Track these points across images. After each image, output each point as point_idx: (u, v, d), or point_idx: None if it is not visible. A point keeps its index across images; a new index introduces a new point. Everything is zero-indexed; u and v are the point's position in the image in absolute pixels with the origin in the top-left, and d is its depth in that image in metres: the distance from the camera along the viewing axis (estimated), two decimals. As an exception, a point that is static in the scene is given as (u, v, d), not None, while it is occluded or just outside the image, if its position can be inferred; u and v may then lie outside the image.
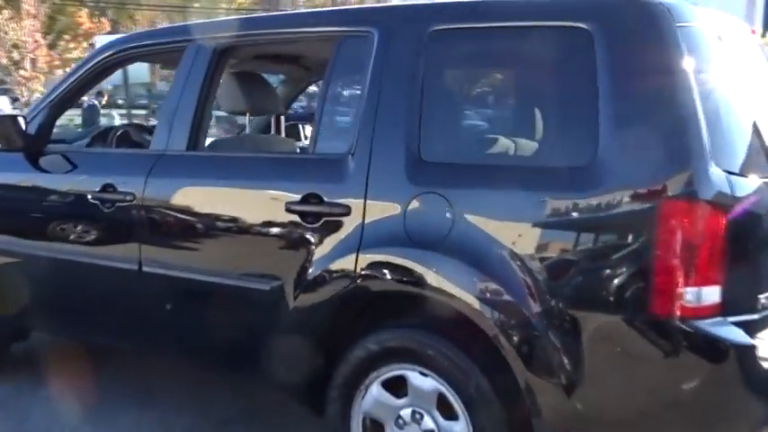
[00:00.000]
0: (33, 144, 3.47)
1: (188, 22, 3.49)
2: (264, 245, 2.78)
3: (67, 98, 3.59)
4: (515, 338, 2.24)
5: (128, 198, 3.07)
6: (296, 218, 2.66)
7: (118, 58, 3.47)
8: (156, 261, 3.04)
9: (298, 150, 3.69)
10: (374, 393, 2.54)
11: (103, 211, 3.16)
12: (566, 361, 2.19)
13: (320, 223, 2.61)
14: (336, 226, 2.58)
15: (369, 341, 2.53)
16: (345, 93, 2.87)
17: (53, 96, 3.54)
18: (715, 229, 2.06)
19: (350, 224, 2.55)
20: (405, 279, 2.43)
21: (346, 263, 2.53)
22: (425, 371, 2.43)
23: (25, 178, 3.52)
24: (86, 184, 3.26)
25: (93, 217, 3.24)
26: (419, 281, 2.39)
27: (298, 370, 2.70)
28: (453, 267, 2.34)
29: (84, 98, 11.41)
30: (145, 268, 3.05)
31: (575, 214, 2.21)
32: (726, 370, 2.09)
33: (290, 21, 3.18)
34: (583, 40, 2.25)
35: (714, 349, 2.09)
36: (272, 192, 2.77)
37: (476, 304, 2.29)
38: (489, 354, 2.32)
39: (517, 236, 2.27)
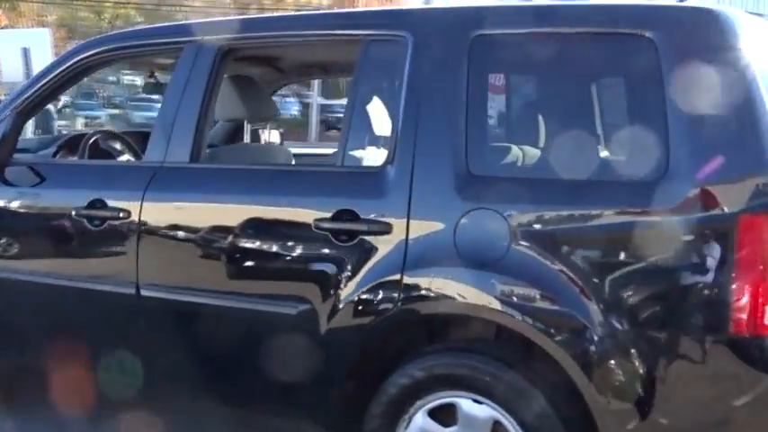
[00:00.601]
0: None
1: (187, 21, 3.22)
2: (290, 265, 2.56)
3: (36, 103, 3.24)
4: (585, 362, 2.12)
5: (121, 215, 2.79)
6: (326, 236, 2.46)
7: (97, 60, 3.16)
8: (157, 284, 2.76)
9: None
10: (419, 423, 2.36)
11: (90, 230, 2.86)
12: (640, 384, 2.09)
13: (355, 242, 2.43)
14: (375, 244, 2.40)
15: (413, 367, 2.36)
16: (376, 101, 2.67)
17: (19, 101, 3.17)
18: None
19: (391, 243, 2.37)
20: (460, 301, 2.28)
21: (389, 284, 2.36)
22: (479, 398, 2.28)
23: None
24: (68, 199, 2.95)
25: (77, 236, 2.94)
26: (476, 303, 2.25)
27: (329, 400, 2.51)
28: (513, 288, 2.21)
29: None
30: (144, 292, 2.77)
31: (645, 231, 2.11)
32: None
33: (310, 22, 2.95)
34: (646, 50, 2.15)
35: None
36: (297, 208, 2.55)
37: (540, 327, 2.17)
38: (553, 378, 2.20)
39: (582, 254, 2.16)
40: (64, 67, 3.13)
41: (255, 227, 2.63)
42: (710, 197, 2.05)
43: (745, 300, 1.99)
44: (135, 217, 2.77)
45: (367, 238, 2.41)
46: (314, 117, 27.68)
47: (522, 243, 2.21)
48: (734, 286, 2.00)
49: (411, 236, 2.34)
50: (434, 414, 2.36)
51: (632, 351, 2.08)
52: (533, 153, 2.32)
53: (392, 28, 2.57)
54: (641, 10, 2.29)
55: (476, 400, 2.28)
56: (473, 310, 2.27)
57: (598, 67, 2.26)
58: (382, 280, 2.36)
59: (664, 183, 2.08)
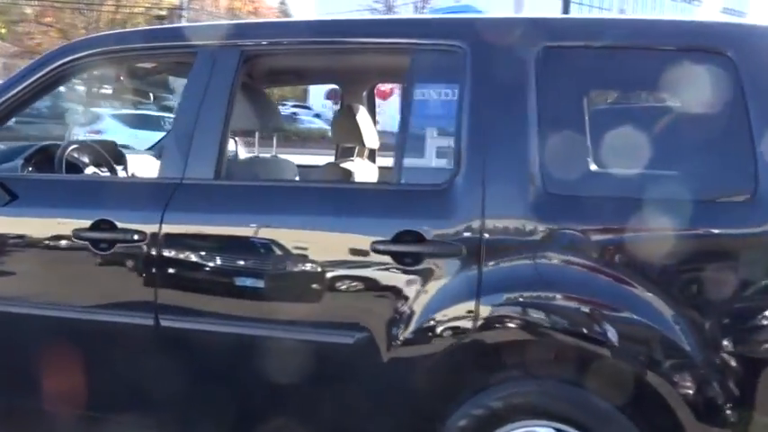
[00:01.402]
0: None
1: (199, 23, 2.92)
2: (344, 291, 2.36)
3: (10, 110, 2.85)
4: (684, 388, 2.07)
5: (135, 237, 2.50)
6: (386, 259, 2.30)
7: (84, 64, 2.81)
8: (181, 313, 2.49)
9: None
10: None
11: (96, 255, 2.55)
12: (743, 410, 2.06)
13: (421, 265, 2.28)
14: (444, 268, 2.26)
15: (488, 397, 2.24)
16: (433, 114, 2.52)
17: None
18: None
19: (463, 266, 2.24)
20: (545, 328, 2.18)
21: (462, 310, 2.22)
22: (561, 426, 2.19)
23: None
24: (65, 220, 2.60)
25: (78, 262, 2.61)
26: (564, 328, 2.16)
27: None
28: (602, 313, 2.14)
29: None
30: (164, 322, 2.49)
31: (738, 253, 2.09)
32: None
33: (351, 29, 2.74)
34: (725, 68, 2.14)
35: None
36: (350, 229, 2.37)
37: (636, 353, 2.11)
38: (643, 405, 2.14)
39: (672, 276, 2.12)
40: (46, 70, 2.76)
41: (302, 249, 2.42)
42: None
43: None
44: (152, 239, 2.49)
45: (435, 260, 2.26)
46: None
47: (609, 266, 2.14)
48: None
49: (485, 259, 2.22)
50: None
51: (733, 377, 2.05)
52: (611, 170, 2.25)
53: (444, 37, 2.44)
54: (719, 28, 2.28)
55: (557, 429, 2.19)
56: (560, 335, 2.18)
57: (673, 85, 2.22)
58: (456, 306, 2.23)
59: (755, 203, 2.07)
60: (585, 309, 2.14)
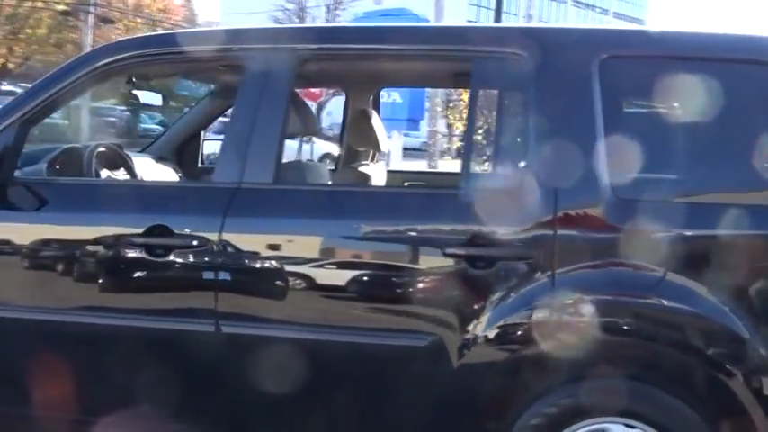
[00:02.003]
0: (1, 171, 2.61)
1: (250, 27, 2.87)
2: (415, 295, 2.39)
3: (45, 112, 2.76)
4: (756, 385, 2.19)
5: (195, 243, 2.46)
6: (458, 263, 2.34)
7: (125, 66, 2.74)
8: (243, 319, 2.46)
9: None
10: None
11: (150, 261, 2.49)
12: None
13: (494, 268, 2.33)
14: (517, 271, 2.32)
15: (560, 395, 2.31)
16: (500, 121, 2.56)
17: (25, 109, 2.68)
18: None
19: (535, 269, 2.30)
20: (621, 328, 2.26)
21: (536, 312, 2.29)
22: (632, 422, 2.27)
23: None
24: (117, 226, 2.54)
25: (130, 268, 2.55)
26: (637, 329, 2.25)
27: None
28: (674, 315, 2.24)
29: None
30: (225, 329, 2.46)
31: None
32: None
33: (410, 35, 2.75)
34: None
35: None
36: (421, 233, 2.40)
37: (707, 351, 2.22)
38: (714, 402, 2.24)
39: (743, 278, 2.23)
40: (84, 71, 2.68)
41: (371, 254, 2.44)
42: None
43: None
44: (213, 245, 2.45)
45: (508, 263, 2.32)
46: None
47: (681, 269, 2.24)
48: None
49: (558, 262, 2.29)
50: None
51: None
52: (676, 176, 2.36)
53: (505, 45, 2.50)
54: None
55: (628, 425, 2.28)
56: (631, 337, 2.26)
57: (735, 95, 2.34)
58: (529, 308, 2.29)
59: None
60: (658, 311, 2.24)
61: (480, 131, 2.55)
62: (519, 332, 2.29)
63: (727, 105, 2.34)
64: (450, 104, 21.63)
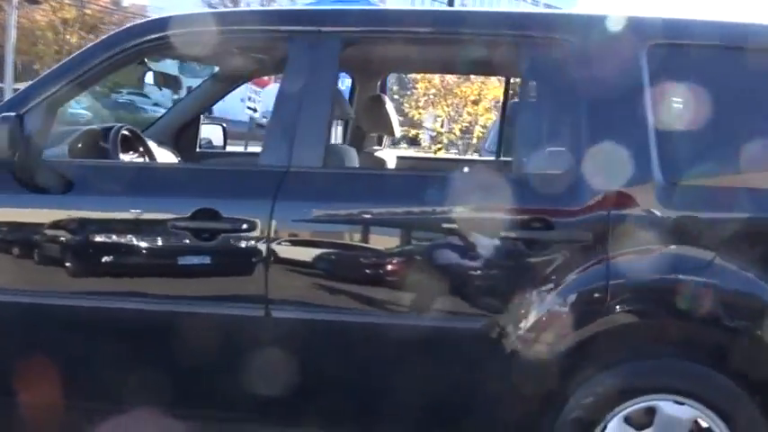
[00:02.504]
0: (30, 152, 2.51)
1: (293, 8, 2.82)
2: (471, 277, 2.42)
3: (75, 90, 2.69)
4: None
5: (244, 226, 2.42)
6: (515, 245, 2.38)
7: (160, 45, 2.66)
8: (295, 303, 2.45)
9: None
10: (615, 429, 2.38)
11: (196, 245, 2.45)
12: None
13: (549, 250, 2.37)
14: (573, 253, 2.36)
15: (611, 376, 2.37)
16: (546, 105, 2.59)
17: (55, 87, 2.58)
18: None
19: (591, 251, 2.36)
20: (673, 309, 2.34)
21: (592, 294, 2.34)
22: (681, 399, 2.36)
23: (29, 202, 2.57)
24: (156, 209, 2.50)
25: (176, 252, 2.51)
26: (686, 310, 2.33)
27: (515, 416, 2.42)
28: (725, 295, 2.34)
29: None
30: (275, 313, 2.43)
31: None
32: None
33: (463, 19, 2.75)
34: None
35: None
36: (478, 215, 2.42)
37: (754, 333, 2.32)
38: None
39: None
40: (119, 48, 2.61)
41: (427, 237, 2.45)
42: None
43: None
44: (263, 229, 2.42)
45: (564, 246, 2.36)
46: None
47: (727, 251, 2.33)
48: None
49: (611, 245, 2.35)
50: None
51: None
52: (725, 161, 2.44)
53: (550, 31, 2.54)
54: None
55: (677, 401, 2.36)
56: (681, 318, 2.35)
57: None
58: (586, 289, 2.35)
59: None
60: (710, 291, 2.33)
61: (529, 115, 2.56)
62: (570, 313, 2.35)
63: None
64: (408, 93, 21.60)
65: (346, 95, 3.70)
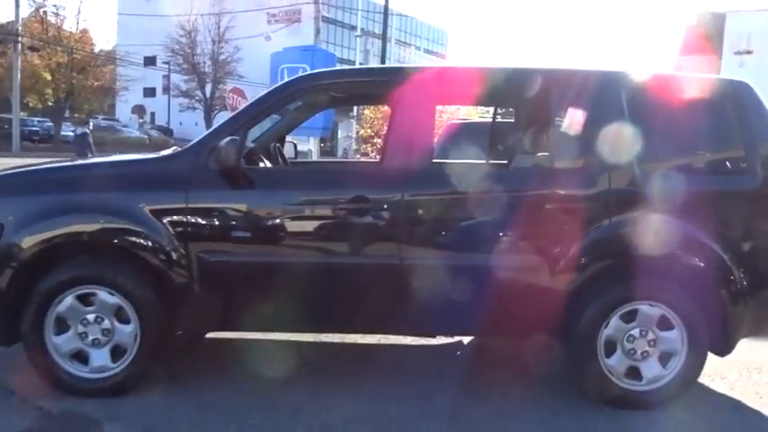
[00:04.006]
0: (240, 162, 3.75)
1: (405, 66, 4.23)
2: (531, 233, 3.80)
3: (255, 121, 4.03)
4: None
5: (384, 206, 3.74)
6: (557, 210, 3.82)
7: (314, 90, 4.24)
8: (422, 254, 3.78)
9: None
10: (614, 324, 3.74)
11: (354, 220, 3.75)
12: None
13: (579, 210, 3.79)
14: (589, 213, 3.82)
15: (624, 286, 3.74)
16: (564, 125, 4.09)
17: (246, 119, 3.92)
18: None
19: (601, 212, 3.81)
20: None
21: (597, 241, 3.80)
22: (653, 303, 3.74)
23: (250, 195, 3.83)
24: (329, 196, 3.81)
25: (342, 225, 3.79)
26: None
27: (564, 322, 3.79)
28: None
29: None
30: (407, 261, 3.72)
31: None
32: None
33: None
34: None
35: None
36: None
37: None
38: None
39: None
40: (277, 96, 4.05)
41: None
42: None
43: None
44: (398, 207, 3.73)
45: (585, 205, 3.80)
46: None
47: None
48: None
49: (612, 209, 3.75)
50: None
51: None
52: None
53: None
54: None
55: (651, 305, 3.80)
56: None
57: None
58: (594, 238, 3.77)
59: None
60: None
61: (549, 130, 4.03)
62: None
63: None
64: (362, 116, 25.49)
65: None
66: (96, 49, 41.26)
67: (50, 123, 37.89)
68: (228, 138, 3.67)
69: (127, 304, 3.66)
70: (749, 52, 15.40)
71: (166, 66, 49.57)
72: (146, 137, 44.14)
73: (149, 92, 58.95)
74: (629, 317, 3.79)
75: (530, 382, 4.17)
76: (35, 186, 3.83)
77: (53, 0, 37.84)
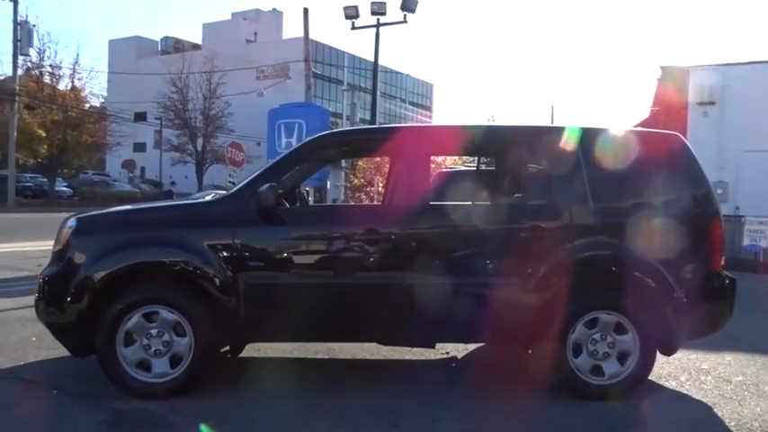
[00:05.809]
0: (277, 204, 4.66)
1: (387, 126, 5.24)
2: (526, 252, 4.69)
3: (285, 171, 4.99)
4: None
5: (392, 237, 4.60)
6: (539, 233, 4.78)
7: (325, 147, 5.21)
8: (418, 274, 4.63)
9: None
10: (579, 330, 4.60)
11: (367, 248, 4.61)
12: None
13: (550, 235, 4.74)
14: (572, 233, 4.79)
15: (586, 299, 4.65)
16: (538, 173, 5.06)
17: (278, 170, 4.88)
18: None
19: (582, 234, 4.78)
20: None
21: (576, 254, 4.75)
22: (610, 312, 4.65)
23: (288, 230, 4.72)
24: (344, 230, 4.71)
25: (357, 253, 4.65)
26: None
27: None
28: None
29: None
30: (408, 281, 4.60)
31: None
32: None
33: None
34: None
35: None
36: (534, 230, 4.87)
37: None
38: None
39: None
40: (304, 151, 5.04)
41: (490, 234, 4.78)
42: None
43: None
44: (404, 238, 4.61)
45: (558, 232, 4.80)
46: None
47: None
48: None
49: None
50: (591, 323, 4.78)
51: None
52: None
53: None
54: None
55: (608, 313, 4.74)
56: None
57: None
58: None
59: None
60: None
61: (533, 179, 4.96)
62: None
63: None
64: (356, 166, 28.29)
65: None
66: (87, 107, 42.50)
67: (43, 179, 39.48)
68: (267, 184, 4.58)
69: (183, 320, 4.46)
70: (712, 103, 16.58)
71: (158, 121, 50.76)
72: (137, 191, 45.15)
73: (139, 146, 60.11)
74: (592, 324, 4.67)
75: (508, 382, 5.06)
76: (121, 226, 4.74)
77: (49, 59, 38.69)
